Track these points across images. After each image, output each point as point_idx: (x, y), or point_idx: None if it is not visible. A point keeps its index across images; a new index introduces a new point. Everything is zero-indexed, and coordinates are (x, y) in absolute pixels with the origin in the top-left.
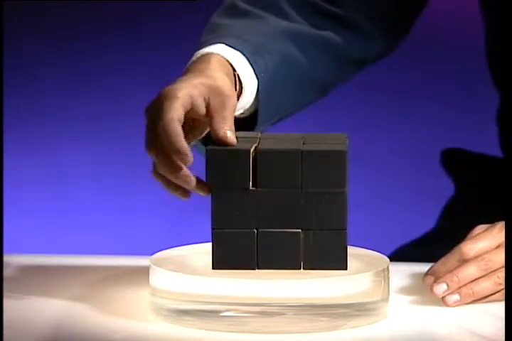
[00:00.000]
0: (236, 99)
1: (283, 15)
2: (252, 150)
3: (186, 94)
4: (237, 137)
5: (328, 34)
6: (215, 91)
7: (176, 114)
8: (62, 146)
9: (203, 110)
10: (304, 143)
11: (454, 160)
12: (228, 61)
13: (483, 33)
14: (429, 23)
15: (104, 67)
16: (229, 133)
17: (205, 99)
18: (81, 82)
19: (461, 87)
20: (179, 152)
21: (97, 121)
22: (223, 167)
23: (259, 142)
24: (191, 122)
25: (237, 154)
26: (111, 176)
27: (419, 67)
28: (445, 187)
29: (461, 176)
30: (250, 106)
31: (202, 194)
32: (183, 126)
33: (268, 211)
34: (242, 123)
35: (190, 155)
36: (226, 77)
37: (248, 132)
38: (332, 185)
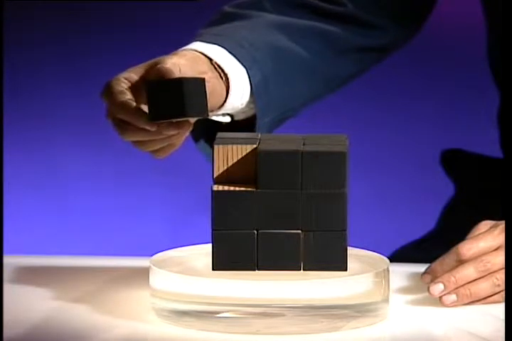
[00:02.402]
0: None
1: (270, 11)
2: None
3: (129, 71)
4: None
5: (322, 24)
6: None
7: (118, 79)
8: (61, 146)
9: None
10: (304, 144)
11: (453, 161)
12: (203, 53)
13: (484, 33)
14: (429, 24)
15: (104, 67)
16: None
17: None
18: (81, 82)
19: (461, 87)
20: (120, 104)
21: (97, 121)
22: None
23: (259, 143)
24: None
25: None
26: (111, 177)
27: (419, 67)
28: (445, 188)
29: (461, 177)
30: (249, 104)
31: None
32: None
33: (268, 212)
34: (245, 124)
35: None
36: (185, 58)
37: (249, 133)
38: (332, 186)
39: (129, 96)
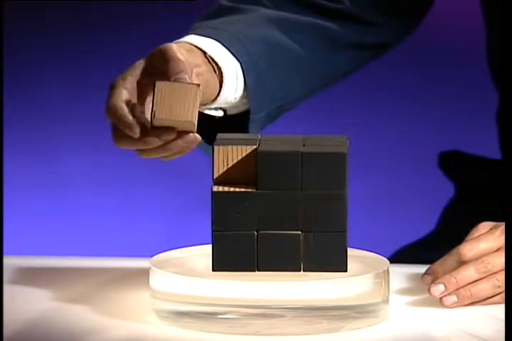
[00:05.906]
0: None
1: (266, 6)
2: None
3: (128, 74)
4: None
5: (319, 21)
6: (154, 53)
7: (119, 91)
8: (62, 147)
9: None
10: (304, 145)
11: (452, 162)
12: (197, 46)
13: (483, 33)
14: (428, 23)
15: (105, 67)
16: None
17: (147, 63)
18: (81, 82)
19: (461, 87)
20: (112, 110)
21: (98, 121)
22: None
23: (259, 143)
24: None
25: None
26: (111, 177)
27: (419, 67)
28: (445, 188)
29: (460, 178)
30: (242, 98)
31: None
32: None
33: (268, 213)
34: (239, 119)
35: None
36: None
37: (249, 134)
38: (332, 187)
39: (124, 109)
